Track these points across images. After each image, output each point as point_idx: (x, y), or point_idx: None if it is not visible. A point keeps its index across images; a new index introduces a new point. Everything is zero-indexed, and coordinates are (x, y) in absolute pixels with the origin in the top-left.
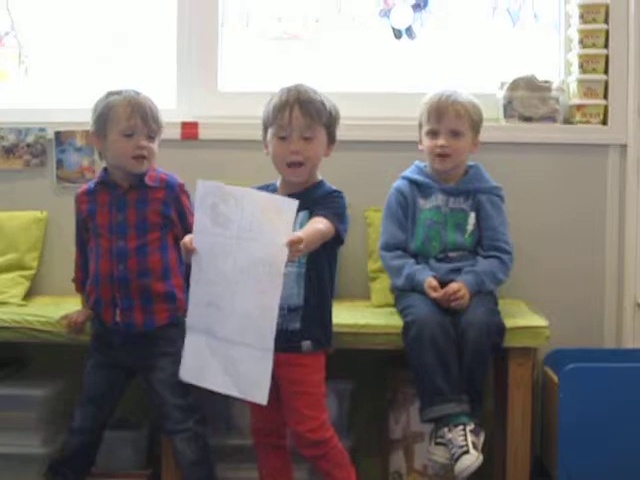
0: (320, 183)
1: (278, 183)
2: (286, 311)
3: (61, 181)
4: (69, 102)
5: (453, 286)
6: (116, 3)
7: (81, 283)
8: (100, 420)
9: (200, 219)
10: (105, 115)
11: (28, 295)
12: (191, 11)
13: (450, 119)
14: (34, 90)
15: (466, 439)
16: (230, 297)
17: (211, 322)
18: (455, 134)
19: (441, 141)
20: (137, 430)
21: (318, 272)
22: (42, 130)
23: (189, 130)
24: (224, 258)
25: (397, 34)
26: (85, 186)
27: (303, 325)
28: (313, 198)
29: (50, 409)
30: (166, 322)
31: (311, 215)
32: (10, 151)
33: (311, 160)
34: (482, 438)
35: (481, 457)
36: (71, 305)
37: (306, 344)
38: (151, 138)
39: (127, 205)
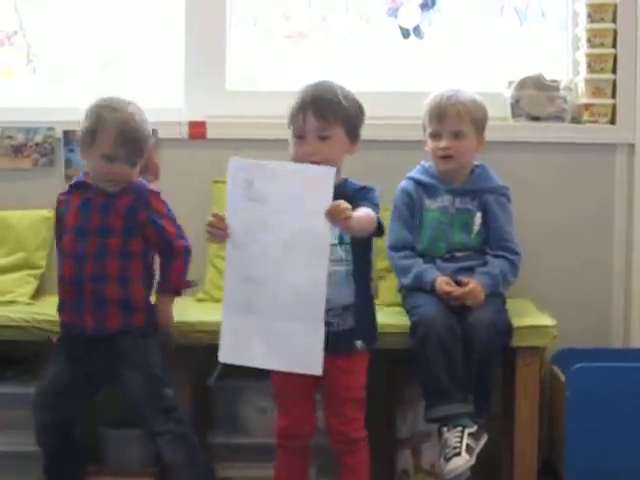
0: (345, 181)
1: None
2: (340, 310)
3: (69, 180)
4: (77, 101)
5: (473, 286)
6: (124, 2)
7: None
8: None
9: (233, 197)
10: (93, 129)
11: (36, 294)
12: (199, 10)
13: (451, 120)
14: (42, 89)
15: (461, 441)
16: (275, 272)
17: (252, 299)
18: (457, 135)
19: (443, 143)
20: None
21: (364, 269)
22: (50, 129)
23: (197, 129)
24: (264, 233)
25: (405, 33)
26: (66, 187)
27: (356, 323)
28: (343, 197)
29: None
30: (118, 328)
31: None
32: (18, 150)
33: (329, 160)
34: (482, 442)
35: (473, 460)
36: None
37: (359, 343)
38: (133, 164)
39: (92, 209)
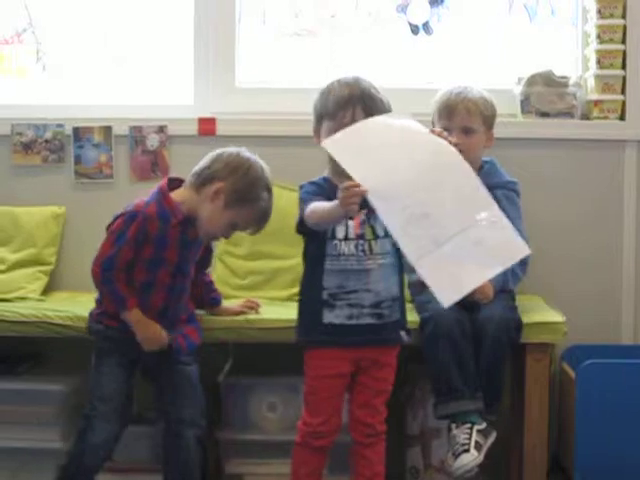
0: None
1: (327, 174)
2: (391, 301)
3: (79, 177)
4: (87, 98)
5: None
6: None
7: None
8: (122, 428)
9: (351, 164)
10: (243, 193)
11: (46, 290)
12: (208, 7)
13: (461, 116)
14: (52, 86)
15: (470, 437)
16: (432, 197)
17: (431, 233)
18: (467, 131)
19: (453, 139)
20: (154, 425)
21: (401, 261)
22: (60, 126)
23: (207, 126)
24: (400, 170)
25: (414, 30)
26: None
27: (401, 314)
28: None
29: (68, 404)
30: None
31: None
32: (28, 147)
33: None
34: (491, 439)
35: (481, 457)
36: (89, 300)
37: (403, 334)
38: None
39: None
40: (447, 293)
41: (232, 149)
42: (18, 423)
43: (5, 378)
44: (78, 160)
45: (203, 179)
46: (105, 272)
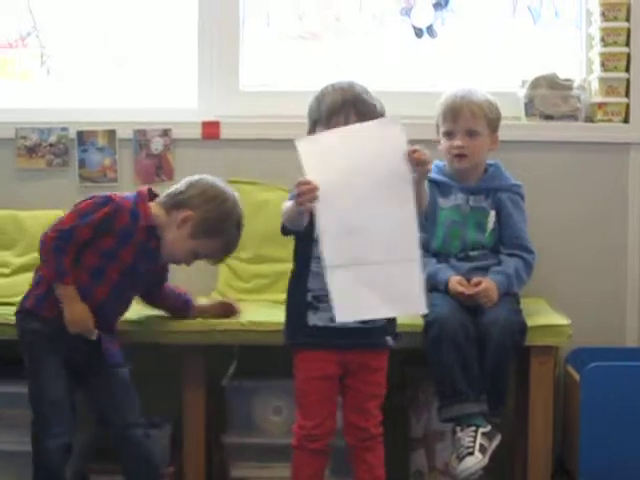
0: None
1: None
2: None
3: (83, 180)
4: (91, 102)
5: (486, 285)
6: (138, 2)
7: None
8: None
9: (312, 168)
10: (210, 226)
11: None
12: (212, 10)
13: (465, 119)
14: (56, 90)
15: (474, 440)
16: (369, 220)
17: (354, 251)
18: (471, 134)
19: (457, 142)
20: (160, 428)
21: None
22: (64, 130)
23: (211, 130)
24: (352, 186)
25: (418, 33)
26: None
27: (387, 320)
28: None
29: None
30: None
31: None
32: (33, 151)
33: None
34: (496, 442)
35: (485, 460)
36: None
37: (389, 339)
38: None
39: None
40: (345, 310)
41: (210, 178)
42: (23, 427)
43: (10, 381)
44: (82, 164)
45: (175, 202)
46: (59, 241)
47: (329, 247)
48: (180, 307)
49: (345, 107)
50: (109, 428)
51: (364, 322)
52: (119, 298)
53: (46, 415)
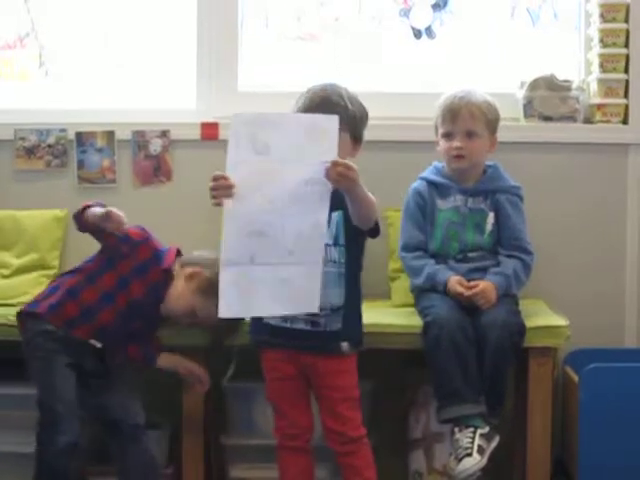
0: None
1: None
2: (329, 311)
3: (82, 182)
4: (90, 103)
5: (484, 286)
6: (136, 3)
7: None
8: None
9: (235, 151)
10: (216, 287)
11: None
12: (211, 11)
13: (464, 120)
14: (55, 91)
15: (473, 442)
16: (278, 221)
17: (255, 251)
18: (470, 135)
19: (456, 143)
20: (159, 429)
21: (355, 271)
22: (63, 131)
23: (209, 131)
24: (269, 184)
25: (417, 34)
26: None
27: (344, 325)
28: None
29: None
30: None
31: (346, 215)
32: (31, 152)
33: None
34: (494, 443)
35: (484, 461)
36: None
37: (345, 345)
38: None
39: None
40: (230, 305)
41: None
42: (24, 428)
43: (11, 383)
44: (81, 165)
45: (190, 261)
46: None
47: (229, 244)
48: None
49: (312, 109)
50: (117, 429)
51: (314, 325)
52: (123, 328)
53: (58, 413)
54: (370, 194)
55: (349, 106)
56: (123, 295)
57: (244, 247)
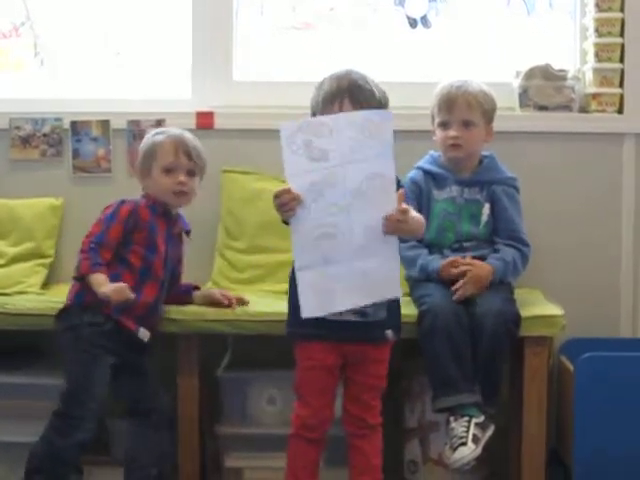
0: None
1: None
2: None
3: (77, 171)
4: (85, 92)
5: (475, 272)
6: None
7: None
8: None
9: (293, 161)
10: (150, 153)
11: (46, 283)
12: (206, 1)
13: (461, 109)
14: (50, 80)
15: (467, 431)
16: (345, 221)
17: (327, 253)
18: (467, 124)
19: (452, 132)
20: None
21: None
22: (58, 120)
23: (204, 120)
24: (331, 189)
25: (412, 23)
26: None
27: (388, 314)
28: None
29: None
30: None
31: None
32: (26, 141)
33: None
34: (489, 432)
35: (479, 450)
36: None
37: (389, 333)
38: (192, 174)
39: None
40: (311, 305)
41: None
42: (17, 417)
43: (4, 372)
44: (76, 154)
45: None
46: (93, 244)
47: (299, 252)
48: (184, 292)
49: (340, 94)
50: (148, 414)
51: (363, 316)
52: (164, 295)
53: (88, 409)
54: (418, 215)
55: (375, 91)
56: (157, 261)
57: (315, 251)
